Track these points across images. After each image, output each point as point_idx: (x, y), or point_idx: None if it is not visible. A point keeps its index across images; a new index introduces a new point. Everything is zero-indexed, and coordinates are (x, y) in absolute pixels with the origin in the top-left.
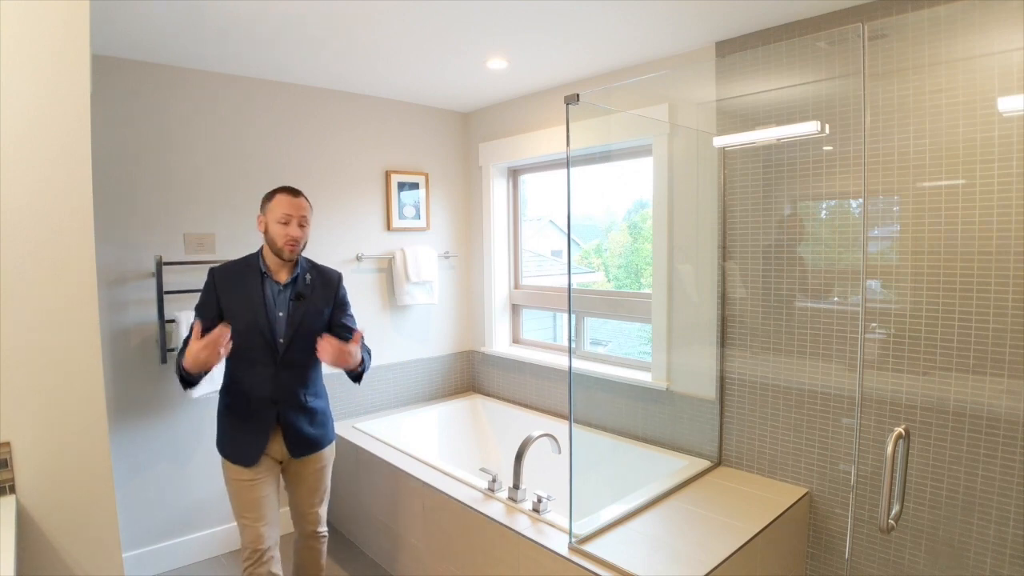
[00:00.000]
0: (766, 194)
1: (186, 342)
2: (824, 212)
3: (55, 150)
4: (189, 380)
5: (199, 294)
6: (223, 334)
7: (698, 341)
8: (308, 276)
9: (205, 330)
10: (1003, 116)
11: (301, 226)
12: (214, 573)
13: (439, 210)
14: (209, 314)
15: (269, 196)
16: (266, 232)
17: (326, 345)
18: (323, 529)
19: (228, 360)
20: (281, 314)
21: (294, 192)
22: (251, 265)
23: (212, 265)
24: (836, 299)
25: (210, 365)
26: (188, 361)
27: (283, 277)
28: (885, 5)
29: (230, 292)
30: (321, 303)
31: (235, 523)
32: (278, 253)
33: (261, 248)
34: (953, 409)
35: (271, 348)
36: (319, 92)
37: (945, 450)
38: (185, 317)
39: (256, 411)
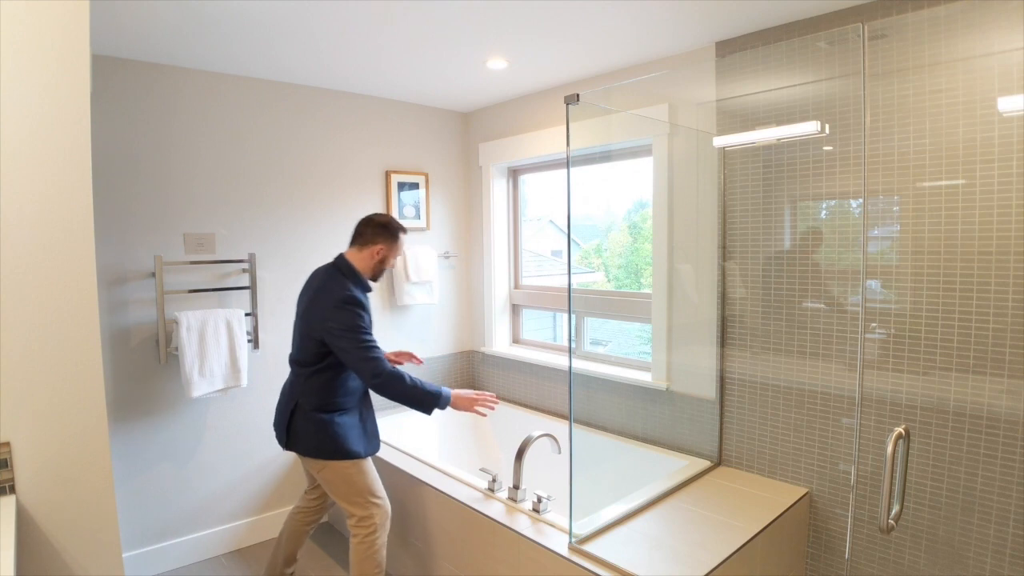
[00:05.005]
0: (766, 194)
1: (395, 373)
2: (824, 212)
3: (55, 150)
4: (434, 406)
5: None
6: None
7: (698, 341)
8: None
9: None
10: (1003, 116)
11: None
12: (214, 573)
13: (439, 210)
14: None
15: (395, 233)
16: (382, 260)
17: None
18: None
19: (345, 374)
20: None
21: None
22: (367, 287)
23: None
24: (836, 299)
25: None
26: (462, 404)
27: None
28: (885, 5)
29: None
30: None
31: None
32: (375, 278)
33: (354, 269)
34: (953, 409)
35: None
36: (319, 92)
37: (945, 450)
38: (188, 319)
39: (370, 405)
